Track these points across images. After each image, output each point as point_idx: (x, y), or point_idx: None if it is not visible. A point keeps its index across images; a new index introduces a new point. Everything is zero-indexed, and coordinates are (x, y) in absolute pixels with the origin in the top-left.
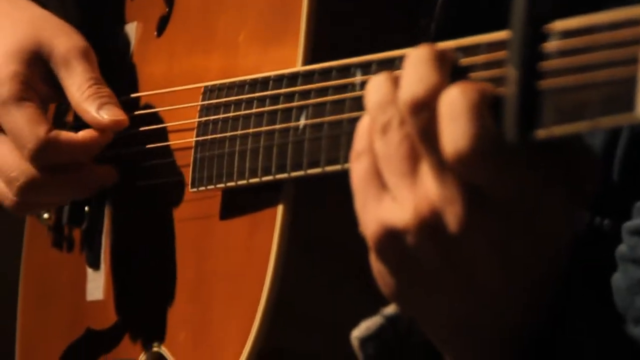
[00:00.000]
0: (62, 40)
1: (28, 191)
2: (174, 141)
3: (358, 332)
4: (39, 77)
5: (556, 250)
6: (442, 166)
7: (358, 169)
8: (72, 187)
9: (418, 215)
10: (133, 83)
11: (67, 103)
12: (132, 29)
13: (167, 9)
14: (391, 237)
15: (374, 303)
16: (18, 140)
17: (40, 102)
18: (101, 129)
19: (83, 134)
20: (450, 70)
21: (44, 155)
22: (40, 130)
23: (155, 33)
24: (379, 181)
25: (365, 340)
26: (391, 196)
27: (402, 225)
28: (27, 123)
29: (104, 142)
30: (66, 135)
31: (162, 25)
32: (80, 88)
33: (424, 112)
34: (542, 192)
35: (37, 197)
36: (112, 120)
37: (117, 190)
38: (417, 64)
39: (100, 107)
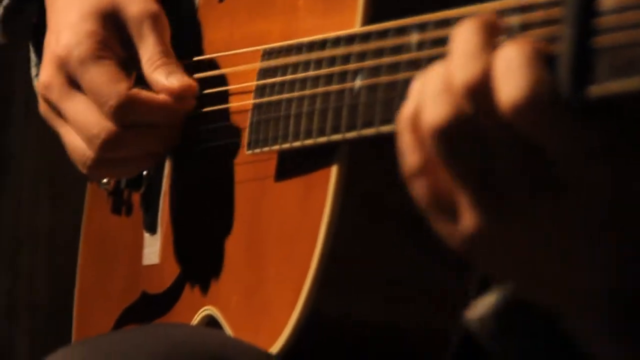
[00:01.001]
0: (136, 5)
1: (108, 148)
2: (232, 104)
3: (477, 312)
4: (114, 39)
5: None
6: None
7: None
8: (153, 144)
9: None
10: (195, 48)
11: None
12: None
13: None
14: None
15: (431, 263)
16: (98, 98)
17: (119, 62)
18: (174, 95)
19: (164, 96)
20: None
21: (125, 112)
22: (121, 87)
23: None
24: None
25: (485, 320)
26: None
27: None
28: (107, 80)
29: (182, 108)
30: (147, 94)
31: None
32: (151, 59)
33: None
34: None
35: (117, 153)
36: (182, 85)
37: (176, 153)
38: (466, 42)
39: (169, 75)
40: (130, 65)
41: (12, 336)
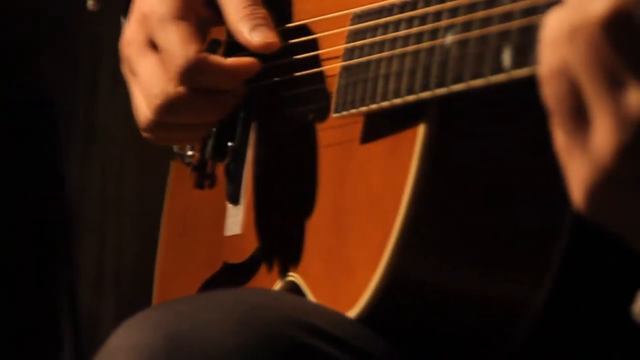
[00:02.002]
0: None
1: (165, 110)
2: (320, 68)
3: None
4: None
5: None
6: None
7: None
8: (211, 111)
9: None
10: (284, 17)
11: (223, 25)
12: None
13: None
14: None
15: (514, 234)
16: (167, 57)
17: (198, 24)
18: (252, 49)
19: (231, 60)
20: None
21: (190, 75)
22: (191, 49)
23: None
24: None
25: None
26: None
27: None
28: (179, 40)
29: (250, 71)
30: (215, 58)
31: None
32: (237, 8)
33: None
34: None
35: (174, 117)
36: (263, 42)
37: (261, 122)
38: None
39: (253, 29)
40: (214, 26)
41: (98, 304)
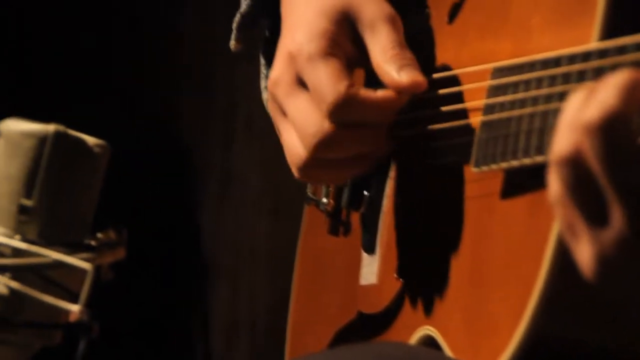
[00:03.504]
0: (371, 5)
1: (322, 147)
2: (459, 122)
3: None
4: (346, 37)
5: None
6: None
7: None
8: (363, 145)
9: None
10: (424, 67)
11: (368, 66)
12: (425, 14)
13: None
14: None
15: None
16: (318, 94)
17: (346, 61)
18: (399, 90)
19: (382, 93)
20: None
21: (343, 111)
22: (341, 85)
23: (447, 19)
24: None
25: None
26: None
27: None
28: (329, 77)
29: (399, 104)
30: (365, 92)
31: (454, 12)
32: (384, 49)
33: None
34: None
35: (329, 154)
36: (412, 81)
37: (398, 172)
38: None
39: (401, 69)
40: (358, 64)
41: (231, 352)
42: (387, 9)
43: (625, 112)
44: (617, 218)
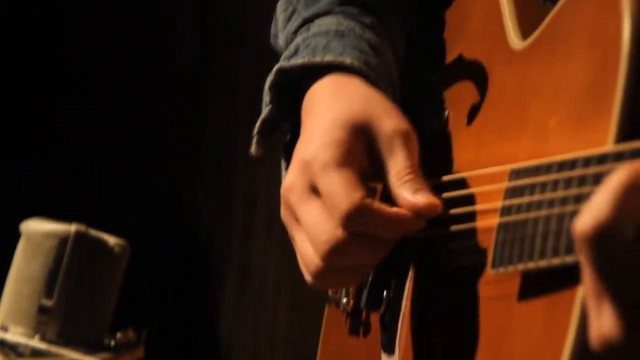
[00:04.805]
0: (389, 121)
1: (334, 254)
2: (477, 223)
3: None
4: (361, 149)
5: None
6: None
7: None
8: (373, 256)
9: None
10: (442, 168)
11: (382, 182)
12: (444, 116)
13: (479, 98)
14: None
15: None
16: (331, 203)
17: (360, 172)
18: (416, 212)
19: (396, 209)
20: None
21: (356, 221)
22: (356, 196)
23: (466, 121)
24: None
25: None
26: None
27: None
28: (344, 187)
29: (414, 226)
30: (379, 205)
31: (473, 113)
32: (399, 174)
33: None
34: None
35: (342, 262)
36: (428, 203)
37: (416, 272)
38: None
39: (416, 192)
40: (372, 177)
41: None
42: (404, 125)
43: (618, 219)
44: (607, 317)
